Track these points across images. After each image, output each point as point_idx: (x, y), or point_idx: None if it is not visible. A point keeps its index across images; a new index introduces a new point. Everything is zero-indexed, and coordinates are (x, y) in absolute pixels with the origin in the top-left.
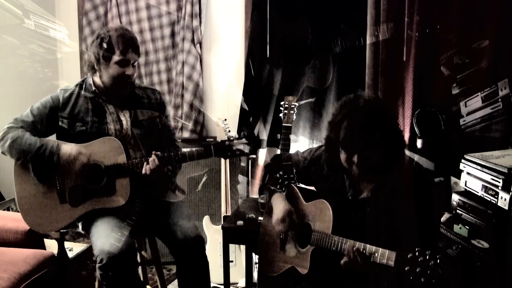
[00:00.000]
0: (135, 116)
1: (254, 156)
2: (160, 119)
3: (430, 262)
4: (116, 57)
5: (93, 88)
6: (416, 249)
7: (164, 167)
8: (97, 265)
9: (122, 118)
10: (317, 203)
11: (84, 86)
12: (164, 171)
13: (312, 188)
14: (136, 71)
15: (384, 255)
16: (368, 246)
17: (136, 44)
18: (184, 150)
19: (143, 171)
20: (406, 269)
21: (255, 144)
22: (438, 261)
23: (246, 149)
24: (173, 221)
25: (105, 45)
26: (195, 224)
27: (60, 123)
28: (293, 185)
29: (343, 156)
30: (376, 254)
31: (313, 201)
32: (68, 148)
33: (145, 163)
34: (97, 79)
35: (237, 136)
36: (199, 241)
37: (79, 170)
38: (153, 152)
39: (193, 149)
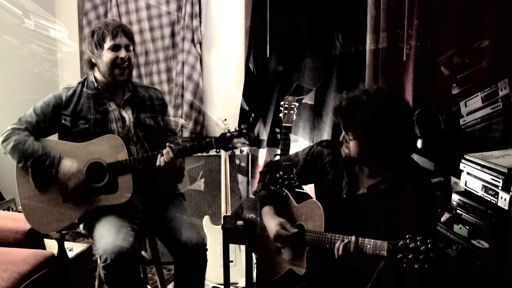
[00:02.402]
0: (138, 113)
1: (255, 148)
2: (162, 118)
3: (421, 247)
4: (107, 44)
5: (95, 84)
6: (407, 236)
7: (177, 160)
8: (101, 264)
9: (125, 115)
10: (308, 203)
11: (86, 84)
12: (177, 164)
13: (305, 190)
14: (133, 56)
15: (376, 246)
16: (360, 238)
17: (125, 29)
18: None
19: (157, 163)
20: (398, 257)
21: (256, 136)
22: (429, 245)
23: (245, 147)
24: (176, 224)
25: (96, 36)
26: (199, 230)
27: (63, 121)
28: (290, 187)
29: (352, 143)
30: (368, 246)
31: (304, 202)
32: (68, 166)
33: (159, 156)
34: (97, 75)
35: (237, 128)
36: (202, 246)
37: (74, 186)
38: (167, 144)
39: (195, 142)
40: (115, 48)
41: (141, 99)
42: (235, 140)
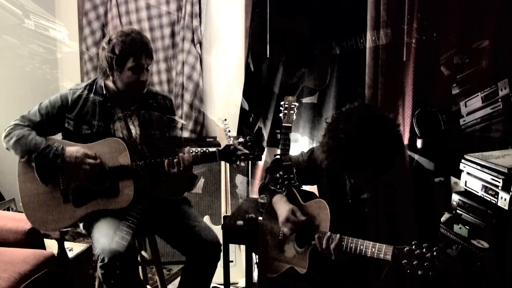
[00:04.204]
0: (145, 124)
1: (260, 161)
2: (169, 128)
3: (427, 254)
4: (129, 63)
5: (104, 92)
6: (413, 242)
7: (192, 166)
8: (99, 264)
9: (131, 126)
10: (315, 202)
11: (94, 88)
12: (192, 170)
13: (310, 189)
14: (150, 76)
15: (381, 250)
16: (365, 241)
17: (149, 49)
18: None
19: (173, 170)
20: (403, 262)
21: (260, 149)
22: (435, 253)
23: (251, 155)
24: (189, 224)
25: (117, 51)
26: (212, 229)
27: (66, 125)
28: (291, 186)
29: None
30: (373, 249)
31: (311, 201)
32: (74, 151)
33: (174, 160)
34: (109, 83)
35: (242, 140)
36: (217, 244)
37: (83, 171)
38: (185, 149)
39: (198, 153)
40: (136, 69)
41: (149, 109)
42: (239, 153)
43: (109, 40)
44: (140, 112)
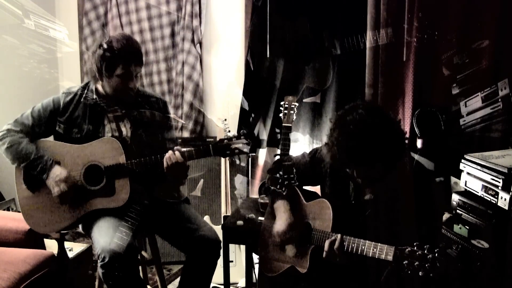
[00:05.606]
0: (136, 126)
1: (254, 154)
2: (162, 129)
3: (428, 256)
4: (118, 71)
5: (95, 96)
6: (415, 244)
7: (187, 163)
8: (99, 263)
9: (123, 129)
10: (318, 202)
11: (86, 91)
12: (187, 167)
13: (313, 189)
14: (139, 81)
15: (382, 250)
16: (367, 242)
17: (139, 56)
18: (184, 149)
19: (168, 167)
20: (404, 263)
21: (254, 142)
22: (436, 254)
23: (245, 148)
24: (188, 222)
25: (107, 57)
26: (211, 226)
27: (57, 128)
28: (292, 186)
29: (345, 168)
30: (374, 250)
31: (314, 201)
32: (57, 173)
33: (165, 156)
34: (99, 87)
35: (236, 134)
36: (217, 242)
37: (61, 193)
38: (176, 148)
39: (192, 149)
40: (125, 77)
41: (140, 112)
42: (233, 147)
43: (100, 46)
44: (131, 114)
